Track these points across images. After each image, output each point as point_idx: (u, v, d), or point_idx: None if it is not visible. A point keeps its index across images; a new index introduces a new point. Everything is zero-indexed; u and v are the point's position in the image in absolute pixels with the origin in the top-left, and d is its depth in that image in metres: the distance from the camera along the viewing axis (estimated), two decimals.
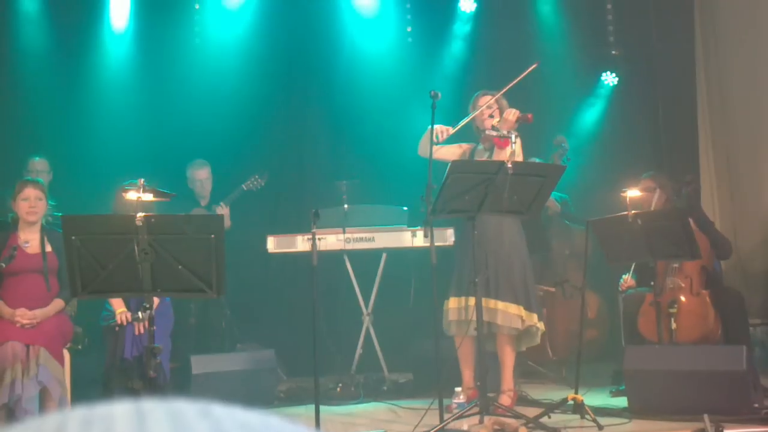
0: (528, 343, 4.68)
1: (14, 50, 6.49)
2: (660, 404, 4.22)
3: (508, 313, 4.45)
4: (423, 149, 4.51)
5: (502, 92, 4.55)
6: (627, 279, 5.21)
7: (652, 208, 5.09)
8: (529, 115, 4.39)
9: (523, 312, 4.47)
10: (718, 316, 4.95)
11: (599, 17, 7.37)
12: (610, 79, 7.30)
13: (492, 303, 4.43)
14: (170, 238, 3.30)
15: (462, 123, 4.51)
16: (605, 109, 7.32)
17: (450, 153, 4.63)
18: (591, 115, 7.31)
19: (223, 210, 5.80)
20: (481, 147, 4.73)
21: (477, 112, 4.57)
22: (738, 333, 4.93)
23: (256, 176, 5.95)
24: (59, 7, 6.58)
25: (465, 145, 4.76)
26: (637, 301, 5.12)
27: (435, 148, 4.35)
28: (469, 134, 4.77)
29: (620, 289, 5.29)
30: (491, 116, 4.56)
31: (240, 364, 5.01)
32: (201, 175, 6.06)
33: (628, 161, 6.88)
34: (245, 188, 5.93)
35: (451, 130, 4.45)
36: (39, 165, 5.79)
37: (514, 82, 4.53)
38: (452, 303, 4.58)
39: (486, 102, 4.62)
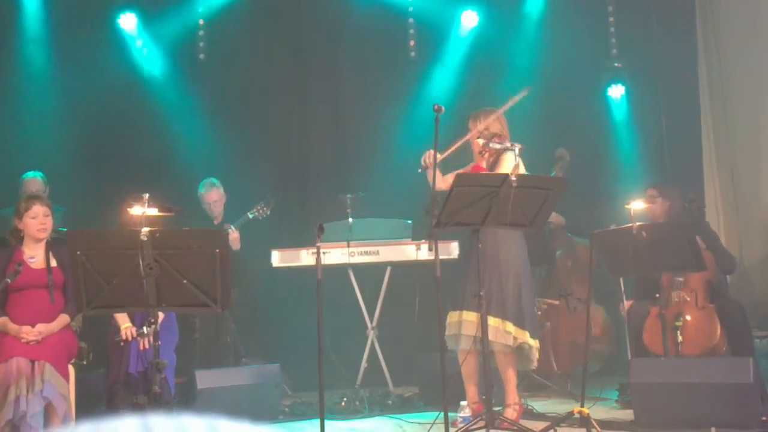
0: (523, 366, 4.64)
1: (15, 67, 6.51)
2: (667, 417, 4.20)
3: (499, 329, 4.43)
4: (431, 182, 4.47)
5: (495, 114, 4.56)
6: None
7: (658, 217, 5.10)
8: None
9: (512, 328, 4.45)
10: (724, 330, 4.93)
11: (602, 30, 7.39)
12: (617, 91, 7.29)
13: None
14: (175, 253, 3.30)
15: (450, 150, 4.51)
16: (612, 121, 7.34)
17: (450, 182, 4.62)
18: (596, 127, 7.31)
19: (233, 234, 5.76)
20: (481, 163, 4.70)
21: (467, 137, 4.58)
22: (742, 345, 4.91)
23: (262, 204, 5.89)
24: (61, 26, 6.60)
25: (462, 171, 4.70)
26: (642, 314, 5.10)
27: (439, 178, 4.34)
28: (463, 157, 4.74)
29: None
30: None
31: (245, 378, 5.00)
32: (211, 197, 6.03)
33: (632, 174, 6.88)
34: (251, 217, 5.87)
35: (438, 156, 4.39)
36: (32, 183, 5.67)
37: (505, 107, 4.54)
38: (450, 317, 4.57)
39: (477, 126, 4.63)
